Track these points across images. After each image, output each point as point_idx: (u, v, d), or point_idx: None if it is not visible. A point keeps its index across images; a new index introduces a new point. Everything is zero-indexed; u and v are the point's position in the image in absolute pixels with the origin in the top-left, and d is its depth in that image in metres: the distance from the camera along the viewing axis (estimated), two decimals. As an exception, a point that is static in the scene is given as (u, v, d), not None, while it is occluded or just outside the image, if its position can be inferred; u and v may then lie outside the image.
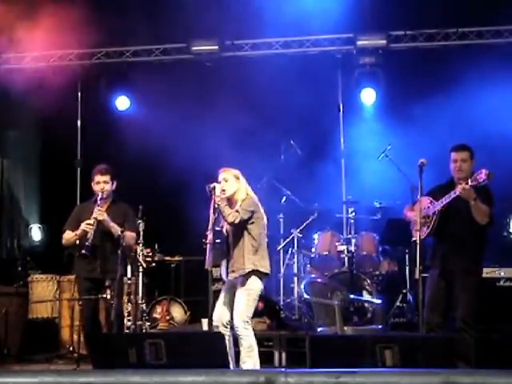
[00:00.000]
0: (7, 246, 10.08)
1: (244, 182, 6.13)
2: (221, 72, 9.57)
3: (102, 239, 6.69)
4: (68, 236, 6.79)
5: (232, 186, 6.04)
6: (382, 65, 9.50)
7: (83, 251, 6.55)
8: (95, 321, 6.76)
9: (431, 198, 6.08)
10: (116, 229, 6.67)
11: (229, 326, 5.94)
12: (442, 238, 6.09)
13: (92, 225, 6.57)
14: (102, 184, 6.76)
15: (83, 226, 6.62)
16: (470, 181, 5.65)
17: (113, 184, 6.85)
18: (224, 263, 6.10)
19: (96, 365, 5.15)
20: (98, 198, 6.71)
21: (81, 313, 6.87)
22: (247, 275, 5.90)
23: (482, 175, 5.56)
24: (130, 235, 6.79)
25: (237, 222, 5.89)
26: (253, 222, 5.98)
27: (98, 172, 6.82)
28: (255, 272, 5.92)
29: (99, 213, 6.61)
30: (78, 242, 6.76)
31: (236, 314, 5.87)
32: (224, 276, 6.13)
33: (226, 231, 6.10)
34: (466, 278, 5.92)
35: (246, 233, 5.96)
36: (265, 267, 6.00)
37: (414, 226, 6.18)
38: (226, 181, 6.03)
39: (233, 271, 5.98)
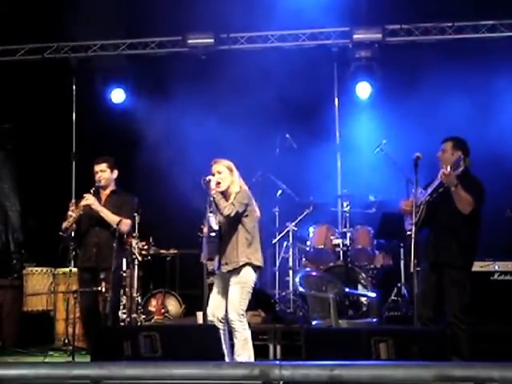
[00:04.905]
0: (2, 239, 10.04)
1: (237, 174, 6.11)
2: (216, 65, 9.55)
3: (96, 226, 6.75)
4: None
5: (226, 179, 6.02)
6: (377, 58, 9.51)
7: (60, 233, 6.66)
8: (94, 312, 6.76)
9: (422, 189, 6.12)
10: (108, 216, 6.71)
11: (224, 321, 5.93)
12: (432, 228, 6.12)
13: (77, 209, 6.68)
14: (99, 173, 6.89)
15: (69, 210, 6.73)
16: (449, 167, 5.71)
17: (112, 172, 6.93)
18: (217, 256, 6.10)
19: (93, 356, 5.15)
20: (96, 185, 6.82)
21: (79, 304, 6.93)
22: (240, 268, 5.91)
23: (459, 160, 5.66)
24: (123, 221, 6.80)
25: (232, 214, 5.88)
26: (247, 215, 5.98)
27: (94, 162, 6.95)
28: (249, 265, 5.93)
29: (86, 198, 6.71)
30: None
31: (230, 307, 5.87)
32: (216, 269, 6.14)
33: (219, 224, 6.09)
34: (455, 272, 5.93)
35: (240, 226, 5.97)
36: (258, 260, 6.01)
37: (406, 218, 6.23)
38: (220, 173, 6.02)
39: (226, 263, 5.97)
